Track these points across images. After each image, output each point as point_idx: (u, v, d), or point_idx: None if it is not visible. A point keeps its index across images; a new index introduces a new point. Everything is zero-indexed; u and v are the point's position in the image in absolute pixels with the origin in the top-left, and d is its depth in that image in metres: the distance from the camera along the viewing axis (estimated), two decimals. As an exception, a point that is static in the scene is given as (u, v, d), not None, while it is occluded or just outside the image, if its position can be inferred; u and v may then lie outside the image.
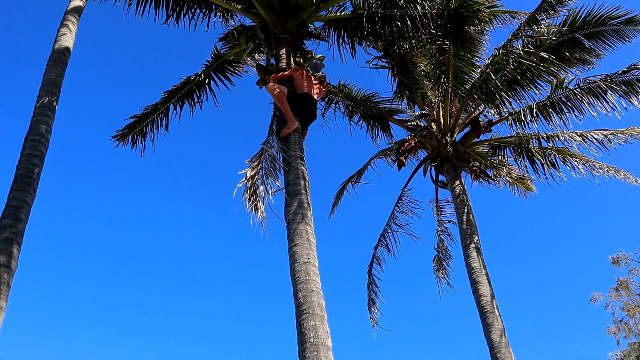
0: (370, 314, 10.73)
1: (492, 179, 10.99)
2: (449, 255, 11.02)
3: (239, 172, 5.88)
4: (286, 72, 7.21)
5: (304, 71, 7.33)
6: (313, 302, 5.13)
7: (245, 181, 5.85)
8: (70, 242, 30.47)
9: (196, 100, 9.22)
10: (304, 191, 6.01)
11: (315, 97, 7.27)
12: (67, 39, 6.33)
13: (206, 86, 9.22)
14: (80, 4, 6.79)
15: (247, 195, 5.75)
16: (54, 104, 6.32)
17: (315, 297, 5.18)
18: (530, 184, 11.36)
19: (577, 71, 9.49)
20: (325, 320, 5.08)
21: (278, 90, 6.85)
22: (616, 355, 18.74)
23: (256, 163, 6.07)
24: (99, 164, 30.18)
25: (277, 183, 6.02)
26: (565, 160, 10.01)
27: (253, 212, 5.65)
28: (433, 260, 11.17)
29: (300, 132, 6.82)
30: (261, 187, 5.89)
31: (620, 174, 10.12)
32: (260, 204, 5.81)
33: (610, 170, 10.11)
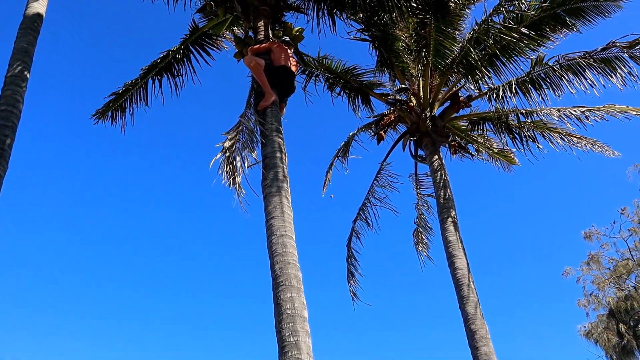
0: (350, 286, 10.87)
1: (471, 154, 11.07)
2: (429, 228, 11.18)
3: (216, 145, 5.84)
4: (264, 45, 7.11)
5: (282, 44, 7.23)
6: (290, 274, 5.17)
7: (222, 154, 5.81)
8: (41, 217, 30.16)
9: (175, 74, 9.06)
10: (280, 164, 5.99)
11: (294, 69, 7.19)
12: (39, 5, 6.14)
13: (184, 60, 9.06)
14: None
15: (225, 168, 5.72)
16: (26, 73, 6.15)
17: (292, 270, 5.22)
18: (513, 156, 11.46)
19: (556, 42, 9.53)
20: (301, 292, 5.13)
21: (255, 62, 6.78)
22: (585, 327, 19.35)
23: (233, 135, 6.03)
24: (73, 139, 29.72)
25: (254, 155, 6.00)
26: (544, 134, 10.11)
27: (230, 185, 5.63)
28: (413, 234, 11.32)
29: (278, 105, 6.76)
30: (238, 159, 5.86)
31: (598, 147, 10.26)
32: (237, 176, 5.79)
33: (588, 143, 10.24)
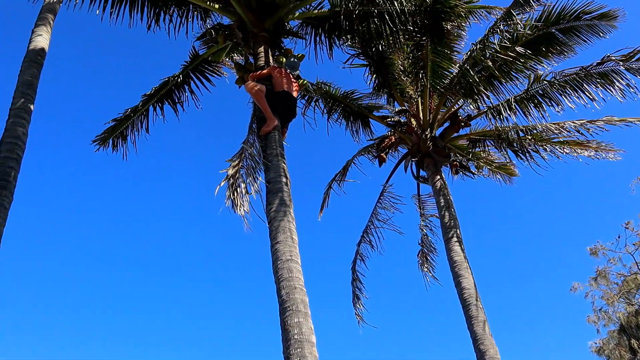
0: (355, 310, 10.79)
1: (472, 173, 11.09)
2: (434, 248, 11.13)
3: (220, 172, 5.87)
4: (265, 71, 7.20)
5: (283, 69, 7.31)
6: (296, 299, 5.14)
7: (227, 180, 5.84)
8: (48, 245, 30.12)
9: (176, 100, 9.16)
10: (285, 188, 6.01)
11: (295, 94, 7.26)
12: (43, 40, 6.24)
13: (185, 87, 9.17)
14: (56, 4, 6.70)
15: (229, 195, 5.74)
16: (30, 105, 6.23)
17: (298, 294, 5.19)
18: (513, 168, 11.47)
19: (554, 62, 9.62)
20: (309, 317, 5.09)
21: (257, 88, 6.85)
22: (596, 343, 19.09)
23: (237, 162, 6.06)
24: (78, 167, 29.86)
25: (257, 183, 6.02)
26: (545, 148, 10.12)
27: (236, 211, 5.64)
28: (417, 255, 11.26)
29: (280, 130, 6.81)
30: (243, 185, 5.88)
31: (601, 151, 10.22)
32: (242, 202, 5.80)
33: (592, 148, 10.18)
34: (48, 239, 29.88)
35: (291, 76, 7.35)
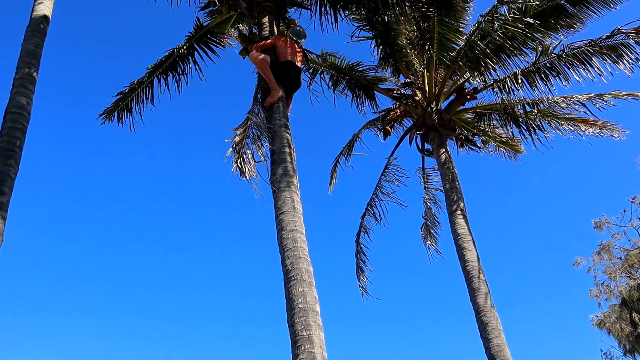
0: (359, 282, 10.88)
1: (478, 147, 11.04)
2: (437, 222, 11.15)
3: (226, 140, 5.88)
4: (269, 41, 7.14)
5: (287, 39, 7.25)
6: (301, 268, 5.19)
7: (233, 149, 5.85)
8: (53, 218, 30.39)
9: (180, 72, 9.09)
10: (289, 159, 6.01)
11: (299, 64, 7.21)
12: (45, 8, 6.17)
13: (189, 58, 9.09)
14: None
15: (236, 161, 5.77)
16: (34, 75, 6.20)
17: (303, 264, 5.24)
18: (519, 145, 11.41)
19: (562, 36, 9.48)
20: (313, 287, 5.15)
21: (260, 58, 6.81)
22: (597, 317, 19.24)
23: (242, 131, 6.05)
24: (82, 139, 29.90)
25: (262, 151, 6.02)
26: (551, 123, 10.07)
27: (243, 177, 5.67)
28: (421, 228, 11.30)
29: (285, 100, 6.78)
30: (249, 152, 5.91)
31: (606, 130, 10.15)
32: (249, 168, 5.83)
33: (597, 127, 10.14)
34: (51, 210, 30.15)
35: (296, 46, 7.28)
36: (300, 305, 4.93)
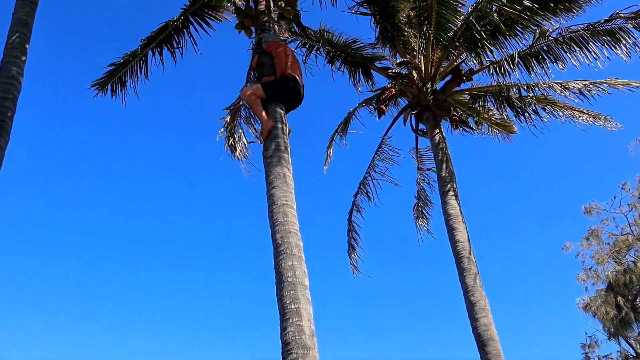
0: (350, 260, 10.98)
1: (472, 128, 11.05)
2: (429, 202, 11.24)
3: (219, 119, 5.86)
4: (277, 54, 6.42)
5: (288, 48, 6.72)
6: (291, 242, 5.21)
7: (225, 128, 5.82)
8: (43, 190, 30.34)
9: (175, 46, 8.96)
10: (281, 134, 5.98)
11: (299, 77, 6.55)
12: (36, -24, 6.07)
13: (184, 31, 8.96)
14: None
15: (228, 140, 5.75)
16: (25, 45, 6.12)
17: (293, 238, 5.26)
18: (512, 125, 11.42)
19: (562, 20, 9.42)
20: (302, 261, 5.17)
21: (249, 93, 6.27)
22: (583, 300, 19.54)
23: (234, 110, 6.01)
24: (74, 112, 29.68)
25: (254, 131, 6.00)
26: (545, 108, 10.09)
27: (234, 155, 5.67)
28: (413, 208, 11.38)
29: (282, 123, 6.23)
30: (240, 131, 5.89)
31: (600, 120, 10.22)
32: (239, 149, 5.81)
33: (590, 117, 10.20)
34: (41, 181, 30.09)
35: (296, 57, 6.71)
36: (289, 279, 4.97)
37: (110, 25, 28.06)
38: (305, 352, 4.59)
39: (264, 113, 6.13)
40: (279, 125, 6.04)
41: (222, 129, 5.96)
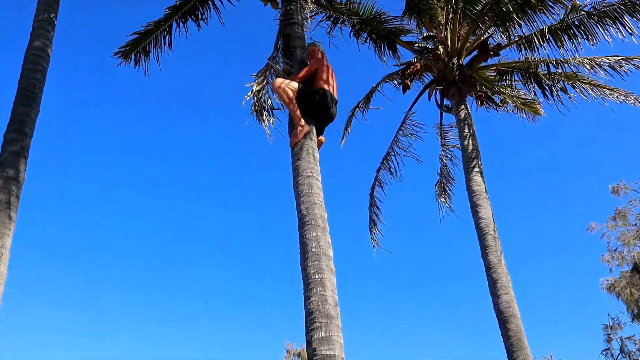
0: (371, 234, 11.00)
1: (498, 105, 10.86)
2: (452, 179, 11.15)
3: (246, 85, 5.86)
4: (309, 68, 6.13)
5: (325, 61, 6.37)
6: (315, 214, 5.25)
7: (252, 96, 5.83)
8: (73, 162, 30.97)
9: (200, 17, 8.93)
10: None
11: (334, 92, 6.19)
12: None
13: (209, 2, 8.91)
14: None
15: (253, 107, 5.77)
16: (53, 18, 6.21)
17: (317, 210, 5.29)
18: (538, 107, 11.20)
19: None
20: (327, 232, 5.21)
21: (283, 87, 5.84)
22: (607, 280, 19.24)
23: (262, 78, 6.00)
24: (102, 82, 30.02)
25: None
26: (574, 86, 9.85)
27: (260, 123, 5.70)
28: (435, 185, 11.31)
29: (314, 136, 5.98)
30: (268, 100, 5.90)
31: (631, 99, 9.95)
32: (265, 115, 5.84)
33: (621, 95, 9.93)
34: (69, 149, 30.69)
35: (331, 70, 6.31)
36: (313, 250, 5.01)
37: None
38: (329, 321, 4.65)
39: (298, 112, 5.84)
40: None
41: (249, 95, 5.96)
